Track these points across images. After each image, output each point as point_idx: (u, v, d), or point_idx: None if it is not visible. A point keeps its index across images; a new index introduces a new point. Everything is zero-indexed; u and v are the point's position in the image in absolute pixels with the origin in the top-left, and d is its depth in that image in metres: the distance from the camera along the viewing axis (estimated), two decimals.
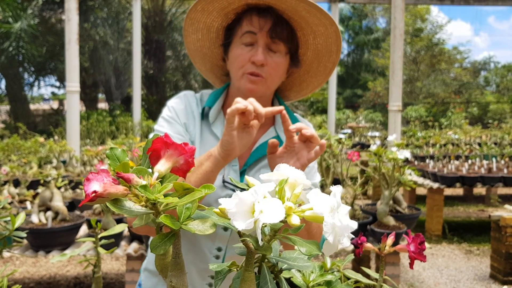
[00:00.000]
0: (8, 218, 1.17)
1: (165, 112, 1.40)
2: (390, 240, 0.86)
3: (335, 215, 0.59)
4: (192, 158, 0.62)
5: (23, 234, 1.18)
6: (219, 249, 1.33)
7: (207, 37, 1.42)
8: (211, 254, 1.33)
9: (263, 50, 1.28)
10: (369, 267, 0.87)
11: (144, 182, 0.56)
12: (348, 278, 0.86)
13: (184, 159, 0.61)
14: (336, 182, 4.17)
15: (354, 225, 0.63)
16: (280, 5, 1.28)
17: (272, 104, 1.46)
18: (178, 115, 1.37)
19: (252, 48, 1.29)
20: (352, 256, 0.90)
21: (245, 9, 1.33)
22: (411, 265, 0.82)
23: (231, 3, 1.30)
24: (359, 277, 0.85)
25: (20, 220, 1.15)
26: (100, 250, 1.16)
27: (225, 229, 1.31)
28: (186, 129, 1.36)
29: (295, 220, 0.57)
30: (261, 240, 0.57)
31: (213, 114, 1.37)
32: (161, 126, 1.36)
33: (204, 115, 1.39)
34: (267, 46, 1.29)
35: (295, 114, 1.47)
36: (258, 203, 0.55)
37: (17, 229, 1.16)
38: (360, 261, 3.44)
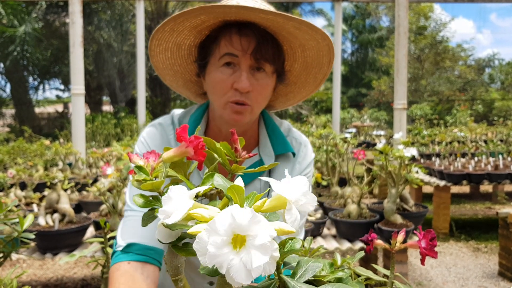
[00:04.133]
0: (17, 220, 1.17)
1: (139, 147, 1.26)
2: (400, 236, 0.85)
3: (214, 235, 0.48)
4: (202, 148, 0.64)
5: (32, 236, 1.18)
6: (211, 283, 1.34)
7: (177, 54, 1.25)
8: (203, 287, 1.34)
9: (247, 74, 1.12)
10: (376, 264, 0.86)
11: (141, 163, 0.61)
12: (359, 275, 0.86)
13: (193, 149, 0.64)
14: (342, 181, 4.16)
15: (262, 260, 0.47)
16: (265, 23, 1.11)
17: (258, 121, 1.31)
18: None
19: (234, 70, 1.13)
20: (362, 254, 0.89)
21: (221, 25, 1.16)
22: (422, 261, 0.81)
23: (205, 21, 1.13)
24: (370, 274, 0.84)
25: (28, 221, 1.15)
26: (109, 250, 1.16)
27: (211, 283, 1.31)
28: None
29: (192, 229, 0.53)
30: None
31: None
32: None
33: None
34: (251, 67, 1.14)
35: (283, 129, 1.33)
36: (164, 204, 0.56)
37: (25, 231, 1.16)
38: (367, 259, 3.43)
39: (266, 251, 0.46)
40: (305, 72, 1.27)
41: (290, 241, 0.60)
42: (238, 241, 0.48)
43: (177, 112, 1.32)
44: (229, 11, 1.07)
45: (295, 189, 0.56)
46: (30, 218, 1.15)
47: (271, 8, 1.17)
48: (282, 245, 0.60)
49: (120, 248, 1.14)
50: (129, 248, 1.12)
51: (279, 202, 0.56)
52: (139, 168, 0.63)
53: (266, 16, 1.06)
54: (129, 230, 1.16)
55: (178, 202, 0.55)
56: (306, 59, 1.23)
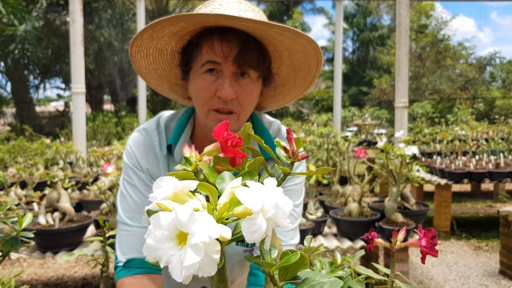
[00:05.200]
0: (16, 219, 1.16)
1: (127, 157, 1.24)
2: (401, 235, 0.84)
3: (157, 229, 0.49)
4: (234, 145, 0.65)
5: (31, 235, 1.17)
6: None
7: (160, 59, 1.22)
8: None
9: (230, 81, 1.09)
10: (377, 264, 0.85)
11: (188, 154, 0.68)
12: (359, 274, 0.85)
13: (221, 145, 0.65)
14: (343, 179, 4.15)
15: (193, 259, 0.46)
16: (247, 28, 1.07)
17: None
18: (139, 161, 1.22)
19: (216, 77, 1.10)
20: (362, 252, 0.89)
21: (202, 30, 1.12)
22: (423, 260, 0.81)
23: (185, 28, 1.10)
24: (370, 272, 0.83)
25: (27, 220, 1.14)
26: (108, 249, 1.16)
27: None
28: (150, 175, 1.22)
29: None
30: None
31: (179, 152, 1.20)
32: (129, 177, 1.23)
33: (171, 151, 1.22)
34: (234, 74, 1.10)
35: (273, 130, 1.30)
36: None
37: (24, 230, 1.15)
38: (368, 258, 3.43)
39: (198, 251, 0.46)
40: (293, 75, 1.24)
41: (290, 253, 0.58)
42: (183, 238, 0.48)
43: (164, 115, 1.30)
44: (208, 19, 1.05)
45: (262, 199, 0.52)
46: (29, 217, 1.14)
47: (256, 10, 1.15)
48: (282, 257, 0.59)
49: (121, 264, 1.18)
50: (130, 264, 1.17)
51: (248, 210, 0.52)
52: (186, 159, 0.68)
53: (246, 24, 1.03)
54: (126, 245, 1.19)
55: (164, 190, 0.55)
56: (293, 62, 1.20)
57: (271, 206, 0.52)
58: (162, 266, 0.48)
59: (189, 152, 0.70)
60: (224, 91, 1.07)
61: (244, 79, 1.11)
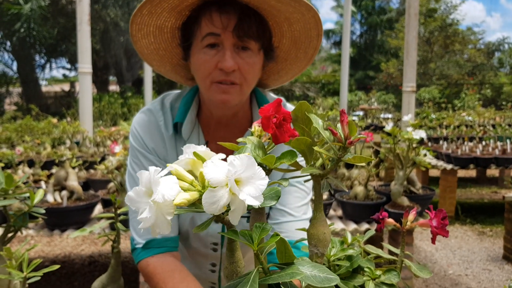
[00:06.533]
0: (27, 195, 1.17)
1: (133, 138, 1.25)
2: (411, 215, 0.85)
3: (140, 185, 0.55)
4: (277, 121, 0.64)
5: (42, 210, 1.18)
6: (214, 265, 1.38)
7: (160, 38, 1.21)
8: (207, 268, 1.39)
9: (231, 53, 1.08)
10: (381, 247, 0.85)
11: (253, 129, 0.71)
12: (368, 254, 0.86)
13: (262, 121, 0.65)
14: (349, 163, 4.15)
15: (146, 214, 0.52)
16: None
17: (250, 101, 1.27)
18: (145, 142, 1.22)
19: (217, 51, 1.09)
20: (373, 232, 0.90)
21: (201, 4, 1.11)
22: (433, 240, 0.81)
23: (183, 1, 1.09)
24: (380, 252, 0.84)
25: (39, 196, 1.15)
26: (119, 226, 1.17)
27: (215, 250, 1.33)
28: (157, 155, 1.22)
29: None
30: None
31: (187, 130, 1.21)
32: (136, 159, 1.24)
33: (178, 130, 1.22)
34: (235, 46, 1.10)
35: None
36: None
37: (34, 207, 1.16)
38: (373, 242, 3.44)
39: (150, 209, 0.52)
40: (295, 47, 1.23)
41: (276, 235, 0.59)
42: None
43: (169, 95, 1.30)
44: None
45: (227, 174, 0.52)
46: (40, 193, 1.15)
47: None
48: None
49: (140, 246, 1.20)
50: (149, 244, 1.19)
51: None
52: (251, 133, 0.70)
53: None
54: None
55: (185, 155, 0.60)
56: (293, 33, 1.19)
57: (231, 183, 0.51)
58: (139, 216, 0.53)
59: (254, 126, 0.71)
60: (226, 62, 1.07)
61: (245, 52, 1.11)
